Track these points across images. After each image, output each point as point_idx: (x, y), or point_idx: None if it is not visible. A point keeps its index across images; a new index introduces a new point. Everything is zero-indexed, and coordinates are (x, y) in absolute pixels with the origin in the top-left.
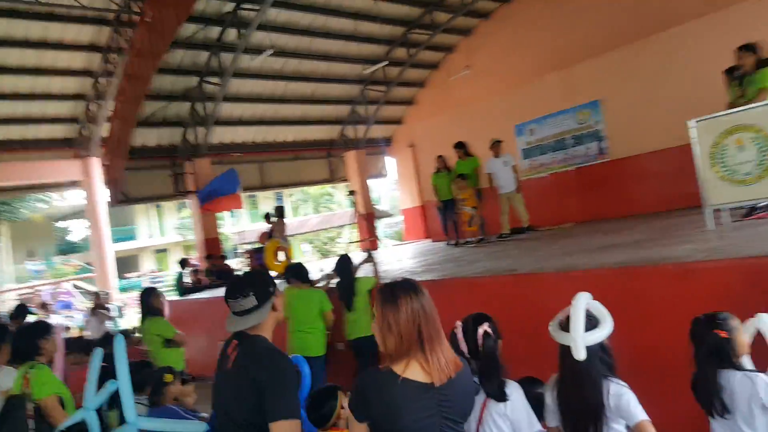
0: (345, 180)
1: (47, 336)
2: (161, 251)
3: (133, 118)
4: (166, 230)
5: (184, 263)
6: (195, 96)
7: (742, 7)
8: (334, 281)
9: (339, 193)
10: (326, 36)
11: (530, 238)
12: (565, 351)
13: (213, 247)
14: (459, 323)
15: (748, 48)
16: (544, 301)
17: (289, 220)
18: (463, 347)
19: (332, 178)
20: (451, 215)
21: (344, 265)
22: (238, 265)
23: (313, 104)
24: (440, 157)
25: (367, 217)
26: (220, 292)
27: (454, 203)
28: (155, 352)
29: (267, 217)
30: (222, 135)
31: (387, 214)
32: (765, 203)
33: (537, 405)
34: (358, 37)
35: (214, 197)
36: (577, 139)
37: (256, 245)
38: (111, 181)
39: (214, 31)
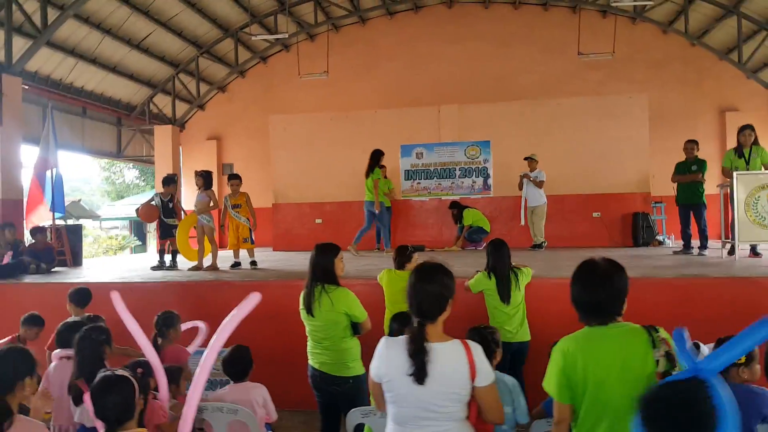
0: (144, 160)
1: None
2: None
3: None
4: None
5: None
6: None
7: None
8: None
9: None
10: None
11: None
12: None
13: (15, 215)
14: None
15: (749, 127)
16: None
17: None
18: None
19: (119, 153)
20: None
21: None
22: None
23: (139, 51)
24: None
25: None
26: None
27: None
28: None
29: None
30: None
31: None
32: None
33: None
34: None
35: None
36: (465, 172)
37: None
38: None
39: None
